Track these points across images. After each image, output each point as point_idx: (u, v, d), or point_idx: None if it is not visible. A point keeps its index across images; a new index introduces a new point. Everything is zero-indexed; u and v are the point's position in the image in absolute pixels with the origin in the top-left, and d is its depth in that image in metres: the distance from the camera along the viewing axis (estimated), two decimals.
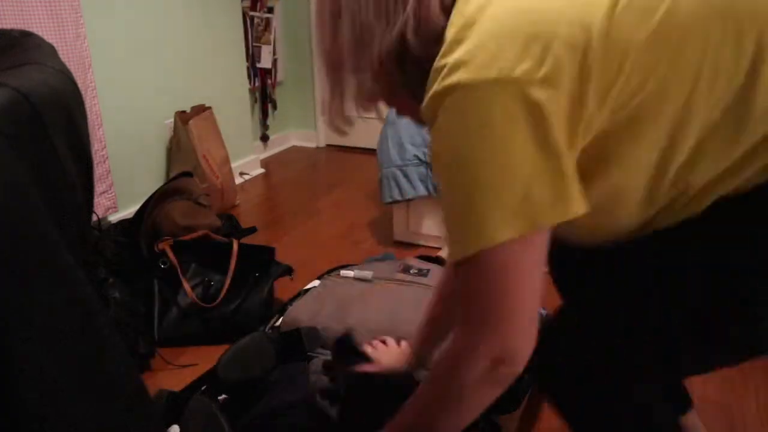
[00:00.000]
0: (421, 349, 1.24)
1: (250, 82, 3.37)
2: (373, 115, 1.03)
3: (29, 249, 0.76)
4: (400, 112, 0.94)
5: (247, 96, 3.28)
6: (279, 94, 3.71)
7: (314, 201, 2.96)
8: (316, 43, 0.93)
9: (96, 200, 2.28)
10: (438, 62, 0.72)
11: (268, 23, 3.41)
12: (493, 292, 0.74)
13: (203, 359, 1.67)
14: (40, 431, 0.80)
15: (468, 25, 0.71)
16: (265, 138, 3.67)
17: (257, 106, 3.56)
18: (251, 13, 3.29)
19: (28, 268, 0.77)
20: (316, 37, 0.91)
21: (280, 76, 3.65)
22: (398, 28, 0.78)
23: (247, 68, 3.29)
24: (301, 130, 3.96)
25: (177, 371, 1.63)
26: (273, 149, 3.78)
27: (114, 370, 0.91)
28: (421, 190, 2.25)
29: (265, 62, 3.45)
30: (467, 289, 0.77)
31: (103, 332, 0.88)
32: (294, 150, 3.90)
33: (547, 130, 0.68)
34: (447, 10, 0.76)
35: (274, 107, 3.69)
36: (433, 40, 0.75)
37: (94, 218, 1.64)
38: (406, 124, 2.22)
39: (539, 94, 0.67)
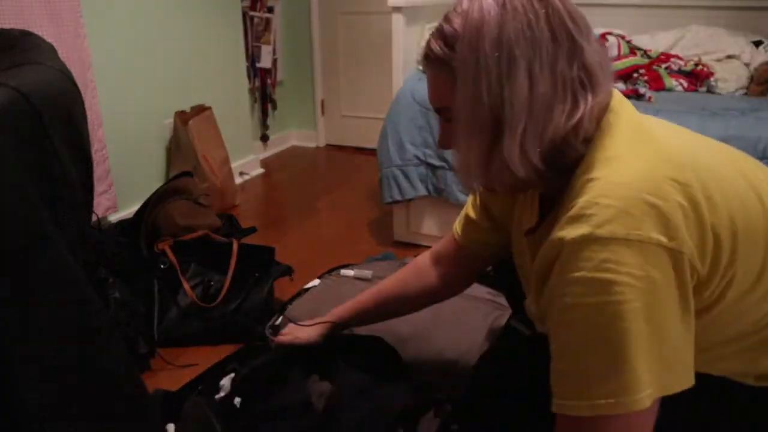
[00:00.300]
0: (347, 315, 1.33)
1: (250, 82, 3.37)
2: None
3: (29, 249, 0.76)
4: (511, 192, 0.98)
5: (247, 96, 3.28)
6: (279, 94, 3.71)
7: (314, 201, 2.96)
8: (468, 89, 0.78)
9: (96, 200, 2.28)
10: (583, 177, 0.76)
11: (268, 23, 3.41)
12: None
13: (203, 359, 1.67)
14: (40, 431, 0.80)
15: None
16: (264, 138, 3.67)
17: (257, 106, 3.56)
18: (251, 13, 3.29)
19: (28, 267, 0.77)
20: (466, 77, 0.77)
21: (280, 76, 3.65)
22: (578, 115, 0.76)
23: (247, 68, 3.29)
24: (301, 130, 3.96)
25: (177, 371, 1.63)
26: (273, 149, 3.78)
27: (114, 370, 0.91)
28: (421, 190, 2.25)
29: (265, 62, 3.45)
30: None
31: (103, 332, 0.88)
32: (294, 150, 3.90)
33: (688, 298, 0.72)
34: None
35: (274, 107, 3.69)
36: (585, 140, 0.78)
37: (94, 218, 1.64)
38: (406, 124, 2.22)
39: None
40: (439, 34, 0.81)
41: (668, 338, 0.70)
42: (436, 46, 0.81)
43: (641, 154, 0.74)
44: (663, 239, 0.68)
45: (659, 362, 0.69)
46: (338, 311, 1.35)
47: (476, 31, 0.76)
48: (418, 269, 1.26)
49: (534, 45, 0.74)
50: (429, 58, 0.82)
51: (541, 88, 0.74)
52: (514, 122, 0.75)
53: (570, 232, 0.72)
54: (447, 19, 0.81)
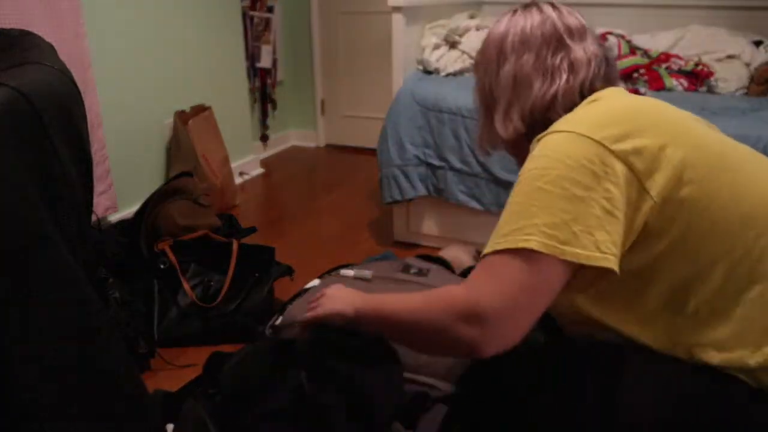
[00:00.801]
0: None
1: (250, 82, 3.37)
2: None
3: (29, 249, 0.76)
4: (511, 152, 1.14)
5: (246, 96, 3.28)
6: (279, 94, 3.71)
7: (314, 201, 2.96)
8: (479, 82, 1.11)
9: (96, 200, 2.28)
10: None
11: (268, 23, 3.41)
12: (509, 282, 0.84)
13: (203, 359, 1.66)
14: (40, 431, 0.80)
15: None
16: (264, 138, 3.67)
17: (257, 106, 3.56)
18: (251, 13, 3.29)
19: (28, 267, 0.77)
20: (480, 75, 1.11)
21: (280, 76, 3.65)
22: (553, 90, 1.00)
23: (247, 68, 3.29)
24: (301, 130, 3.96)
25: (177, 371, 1.63)
26: (273, 149, 3.78)
27: (114, 370, 0.91)
28: (421, 190, 2.25)
29: (265, 62, 3.45)
30: (489, 269, 0.86)
31: (103, 332, 0.88)
32: (294, 150, 3.90)
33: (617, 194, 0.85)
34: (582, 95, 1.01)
35: (274, 107, 3.69)
36: (567, 110, 0.99)
37: (94, 218, 1.64)
38: (406, 124, 2.22)
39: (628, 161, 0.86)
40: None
41: (581, 212, 0.83)
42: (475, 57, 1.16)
43: (591, 109, 0.94)
44: (594, 135, 0.86)
45: (561, 223, 0.83)
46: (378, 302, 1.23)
47: (488, 40, 1.08)
48: None
49: (524, 42, 1.02)
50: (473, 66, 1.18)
51: (524, 70, 1.01)
52: (500, 95, 1.04)
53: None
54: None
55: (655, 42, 2.63)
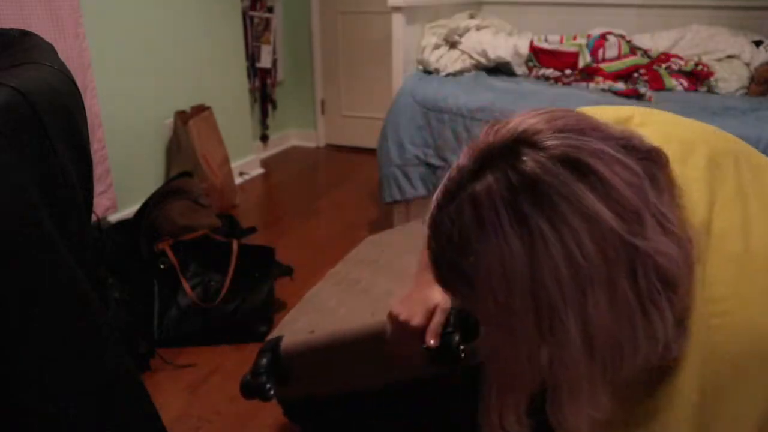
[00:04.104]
0: None
1: (249, 82, 3.37)
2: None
3: (29, 249, 0.76)
4: None
5: (246, 96, 3.28)
6: (279, 94, 3.71)
7: (314, 201, 2.96)
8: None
9: (96, 200, 2.28)
10: None
11: (268, 23, 3.41)
12: None
13: (203, 359, 1.67)
14: (40, 431, 0.80)
15: None
16: (264, 138, 3.67)
17: (257, 106, 3.56)
18: (251, 13, 3.29)
19: (28, 267, 0.77)
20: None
21: (280, 76, 3.65)
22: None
23: (247, 68, 3.29)
24: (301, 130, 3.96)
25: (176, 371, 1.63)
26: (273, 149, 3.77)
27: (114, 369, 0.91)
28: (421, 190, 2.25)
29: (265, 62, 3.44)
30: None
31: (103, 332, 0.88)
32: (294, 150, 3.90)
33: None
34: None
35: (274, 107, 3.68)
36: None
37: (94, 218, 1.63)
38: (406, 124, 2.22)
39: None
40: None
41: None
42: None
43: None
44: None
45: None
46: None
47: None
48: None
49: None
50: None
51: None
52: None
53: None
54: None
55: (655, 42, 2.63)
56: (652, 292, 0.56)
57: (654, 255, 0.55)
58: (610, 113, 0.77)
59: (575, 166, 0.54)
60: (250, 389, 1.16)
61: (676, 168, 0.64)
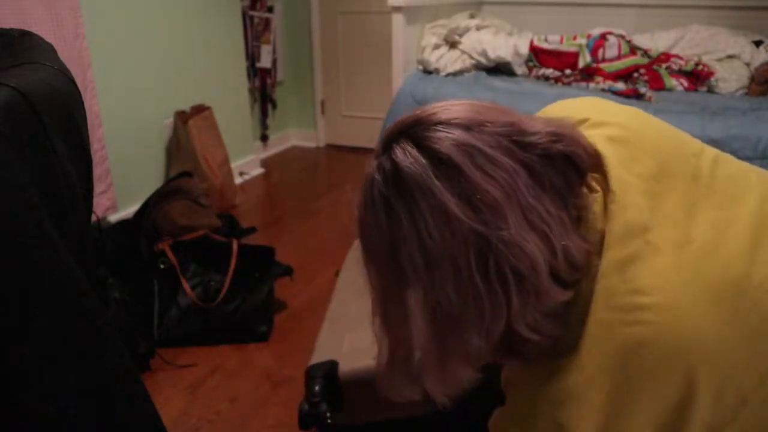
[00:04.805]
0: None
1: (249, 82, 3.37)
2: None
3: (29, 249, 0.76)
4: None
5: (246, 96, 3.28)
6: (279, 94, 3.71)
7: (314, 201, 2.96)
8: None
9: (96, 200, 2.28)
10: None
11: (268, 23, 3.41)
12: None
13: (203, 359, 1.67)
14: (39, 431, 0.80)
15: None
16: (264, 138, 3.67)
17: (257, 106, 3.56)
18: (251, 13, 3.29)
19: (28, 267, 0.77)
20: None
21: (280, 76, 3.65)
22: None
23: (247, 68, 3.29)
24: (301, 130, 3.96)
25: (177, 371, 1.63)
26: (273, 149, 3.77)
27: (114, 369, 0.91)
28: None
29: (265, 62, 3.44)
30: None
31: (103, 332, 0.88)
32: (294, 150, 3.90)
33: None
34: None
35: (274, 107, 3.68)
36: None
37: (94, 218, 1.64)
38: None
39: None
40: None
41: None
42: None
43: None
44: None
45: None
46: None
47: None
48: None
49: None
50: None
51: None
52: None
53: None
54: None
55: (655, 42, 2.63)
56: (504, 279, 0.61)
57: (509, 246, 0.60)
58: (567, 110, 0.80)
59: (441, 160, 0.61)
60: (311, 419, 1.10)
61: (614, 171, 0.67)
